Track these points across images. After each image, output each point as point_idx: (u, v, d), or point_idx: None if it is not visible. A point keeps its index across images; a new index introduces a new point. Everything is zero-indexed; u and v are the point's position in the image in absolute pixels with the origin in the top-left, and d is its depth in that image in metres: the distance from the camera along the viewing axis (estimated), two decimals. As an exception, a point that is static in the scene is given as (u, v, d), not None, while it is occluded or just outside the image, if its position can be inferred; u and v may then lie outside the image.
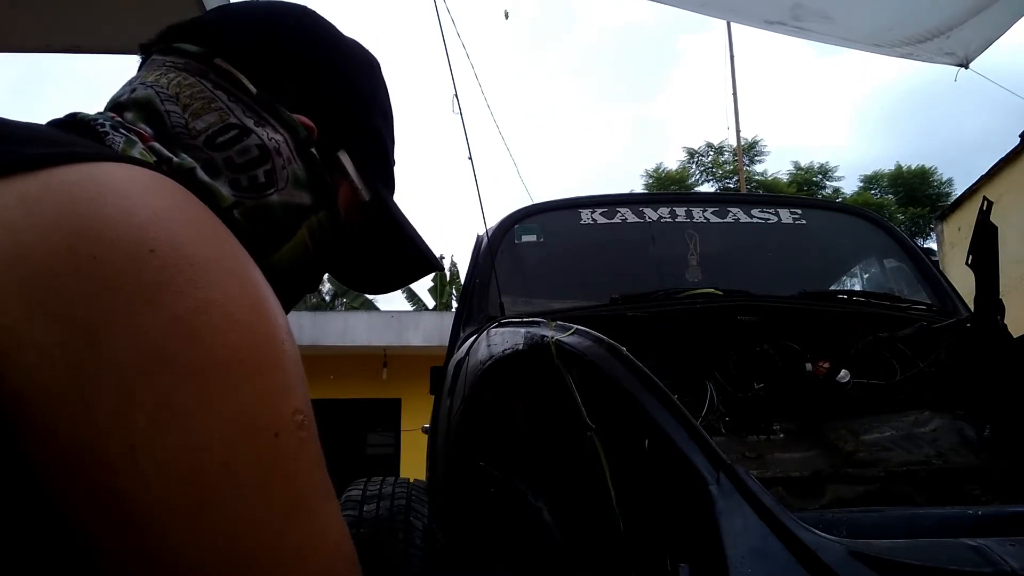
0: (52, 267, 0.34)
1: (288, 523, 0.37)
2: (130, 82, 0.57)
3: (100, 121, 0.51)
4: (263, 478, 0.36)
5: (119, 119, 0.52)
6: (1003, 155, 8.46)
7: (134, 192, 0.39)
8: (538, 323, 1.37)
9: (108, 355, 0.33)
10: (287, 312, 0.65)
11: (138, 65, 0.60)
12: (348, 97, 0.63)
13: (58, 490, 0.33)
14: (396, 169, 0.71)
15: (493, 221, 2.34)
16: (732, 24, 9.80)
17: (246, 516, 0.35)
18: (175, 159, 0.51)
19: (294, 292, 0.63)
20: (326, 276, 0.71)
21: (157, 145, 0.51)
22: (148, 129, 0.52)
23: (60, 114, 0.53)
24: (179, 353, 0.35)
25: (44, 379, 0.32)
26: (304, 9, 0.65)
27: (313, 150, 0.59)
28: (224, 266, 0.39)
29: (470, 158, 1.83)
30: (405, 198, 0.71)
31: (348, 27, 0.67)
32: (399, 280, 0.75)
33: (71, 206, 0.36)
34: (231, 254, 0.41)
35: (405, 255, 0.70)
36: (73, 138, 0.47)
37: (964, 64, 2.96)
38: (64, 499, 0.33)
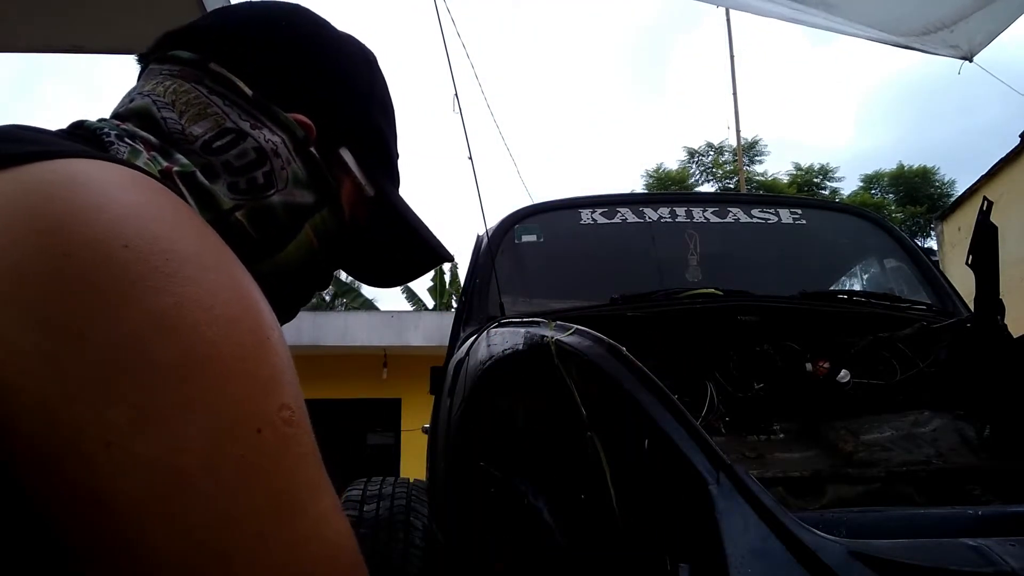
0: (25, 266, 0.33)
1: (274, 521, 0.35)
2: (129, 93, 0.58)
3: (105, 130, 0.51)
4: (245, 475, 0.35)
5: (124, 127, 0.52)
6: (1003, 155, 8.47)
7: (108, 188, 0.38)
8: (538, 323, 1.36)
9: (83, 353, 0.32)
10: (299, 309, 0.65)
11: (137, 75, 0.60)
12: (345, 93, 0.63)
13: (40, 492, 0.32)
14: (400, 163, 0.70)
15: (493, 221, 2.34)
16: (731, 11, 9.63)
17: (226, 514, 0.34)
18: (175, 166, 0.51)
19: (304, 290, 0.64)
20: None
21: (158, 156, 0.51)
22: (153, 138, 0.52)
23: (61, 113, 0.53)
24: (156, 350, 0.34)
25: (21, 379, 0.32)
26: (297, 7, 0.64)
27: (312, 149, 0.58)
28: (202, 261, 0.38)
29: (470, 158, 1.83)
30: (406, 199, 0.70)
31: (347, 26, 0.67)
32: (410, 272, 0.75)
33: (43, 204, 0.35)
34: (209, 248, 0.40)
35: (414, 247, 0.70)
36: (53, 138, 0.46)
37: (968, 57, 2.94)
38: (45, 500, 0.32)
